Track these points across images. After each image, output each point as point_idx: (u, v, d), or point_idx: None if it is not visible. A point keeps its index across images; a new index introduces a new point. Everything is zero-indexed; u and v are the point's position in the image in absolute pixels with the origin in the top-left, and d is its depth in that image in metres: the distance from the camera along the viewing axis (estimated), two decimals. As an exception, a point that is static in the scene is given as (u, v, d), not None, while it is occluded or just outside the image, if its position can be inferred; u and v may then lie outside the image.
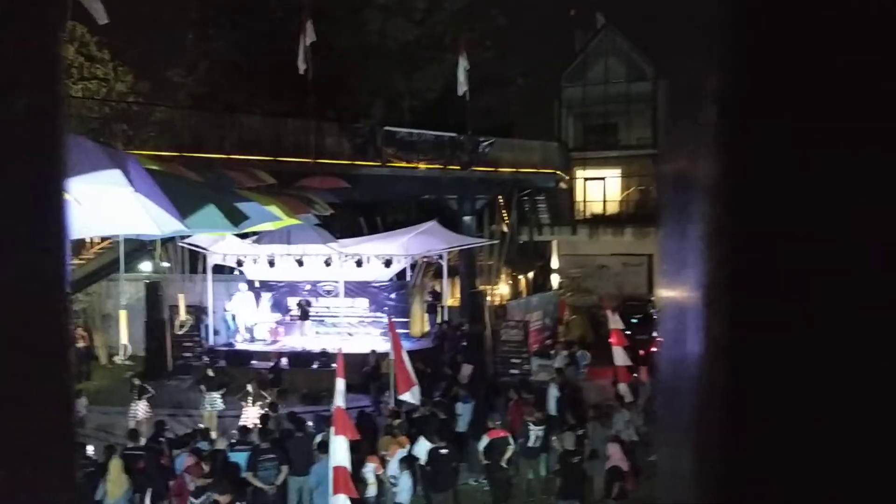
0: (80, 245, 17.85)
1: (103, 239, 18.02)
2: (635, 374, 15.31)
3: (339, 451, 9.40)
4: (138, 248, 18.53)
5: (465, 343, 19.41)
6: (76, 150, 8.63)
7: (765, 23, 0.47)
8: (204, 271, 20.67)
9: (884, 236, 0.46)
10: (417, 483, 11.29)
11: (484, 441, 11.70)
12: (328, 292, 20.25)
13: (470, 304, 21.63)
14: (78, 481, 0.57)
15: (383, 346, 15.81)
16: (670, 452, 0.58)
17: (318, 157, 20.88)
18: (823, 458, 0.47)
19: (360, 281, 19.98)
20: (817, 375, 0.47)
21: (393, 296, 20.19)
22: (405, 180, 23.75)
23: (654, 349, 18.32)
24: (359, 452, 10.40)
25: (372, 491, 10.64)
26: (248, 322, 19.89)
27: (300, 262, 19.32)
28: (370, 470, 10.68)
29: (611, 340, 15.34)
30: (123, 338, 12.73)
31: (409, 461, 10.99)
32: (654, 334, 19.93)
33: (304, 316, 19.79)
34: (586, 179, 35.20)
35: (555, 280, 31.26)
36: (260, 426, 12.24)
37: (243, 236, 18.00)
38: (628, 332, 17.63)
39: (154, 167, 11.42)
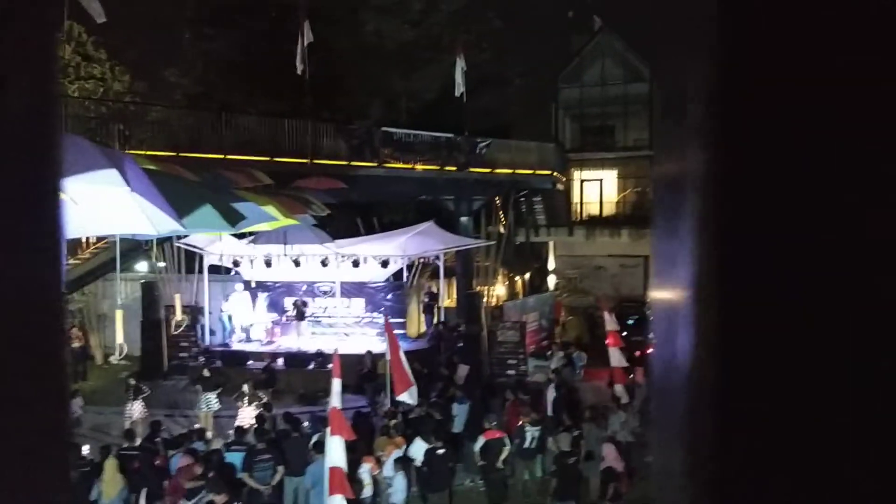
0: (76, 245, 17.82)
1: (99, 239, 17.99)
2: (631, 376, 15.32)
3: (336, 451, 9.39)
4: (134, 247, 18.49)
5: (461, 344, 19.41)
6: (73, 149, 8.61)
7: (761, 22, 0.47)
8: (200, 271, 20.64)
9: (883, 236, 0.46)
10: (412, 484, 11.29)
11: (480, 442, 11.70)
12: (325, 293, 20.24)
13: (466, 305, 21.63)
14: (73, 482, 0.57)
15: (380, 346, 15.81)
16: (665, 453, 0.58)
17: (314, 157, 20.87)
18: (819, 458, 0.47)
19: (356, 281, 19.97)
20: (813, 375, 0.47)
21: (389, 296, 20.19)
22: (402, 181, 23.75)
23: (650, 350, 18.33)
24: (355, 453, 10.39)
25: (368, 491, 10.63)
26: (245, 322, 19.87)
27: (297, 263, 19.31)
28: (366, 470, 10.67)
29: (607, 342, 15.35)
30: (119, 338, 12.70)
31: (403, 462, 10.99)
32: (650, 336, 19.92)
33: (300, 316, 19.78)
34: (583, 181, 35.24)
35: (551, 281, 31.28)
36: (255, 426, 12.22)
37: (240, 236, 17.98)
38: (624, 334, 17.65)
39: (151, 167, 11.41)
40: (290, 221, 14.04)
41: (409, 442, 11.49)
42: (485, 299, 22.77)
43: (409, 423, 12.44)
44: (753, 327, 0.47)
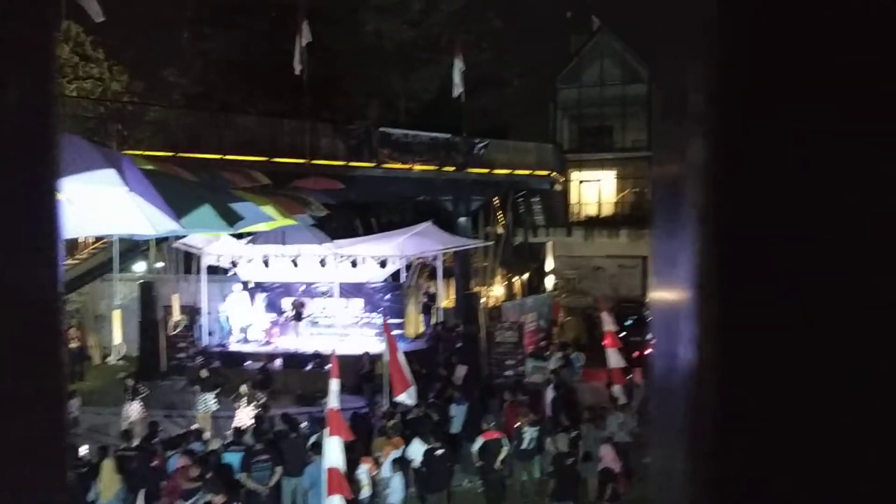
0: (73, 245, 17.81)
1: (97, 239, 17.99)
2: (630, 376, 15.32)
3: (334, 452, 9.39)
4: (132, 248, 18.49)
5: (459, 344, 19.40)
6: (71, 149, 8.61)
7: (761, 22, 0.47)
8: (198, 272, 20.63)
9: (883, 236, 0.46)
10: (410, 485, 11.29)
11: (478, 442, 11.70)
12: (323, 293, 20.22)
13: (465, 306, 21.63)
14: (70, 482, 0.57)
15: (378, 347, 15.80)
16: (665, 453, 0.58)
17: (313, 157, 20.87)
18: (819, 458, 0.47)
19: (354, 282, 19.96)
20: (813, 375, 0.47)
21: (388, 297, 20.18)
22: (400, 181, 23.75)
23: (648, 351, 18.34)
24: (353, 453, 10.39)
25: (366, 492, 10.63)
26: (243, 323, 19.85)
27: (295, 263, 19.30)
28: (364, 471, 10.67)
29: (605, 342, 15.34)
30: (117, 338, 12.71)
31: (401, 463, 10.99)
32: (649, 336, 19.94)
33: (299, 317, 19.77)
34: (581, 181, 35.27)
35: (549, 282, 31.28)
36: (254, 427, 12.22)
37: (238, 237, 17.97)
38: (623, 334, 17.65)
39: (149, 167, 11.40)
40: (289, 222, 14.05)
41: (407, 443, 11.49)
42: (483, 300, 22.78)
43: (408, 423, 12.44)
44: (754, 327, 0.47)
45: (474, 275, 25.93)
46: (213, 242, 19.08)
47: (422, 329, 20.97)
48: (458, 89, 24.50)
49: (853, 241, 0.46)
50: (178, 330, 19.21)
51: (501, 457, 11.60)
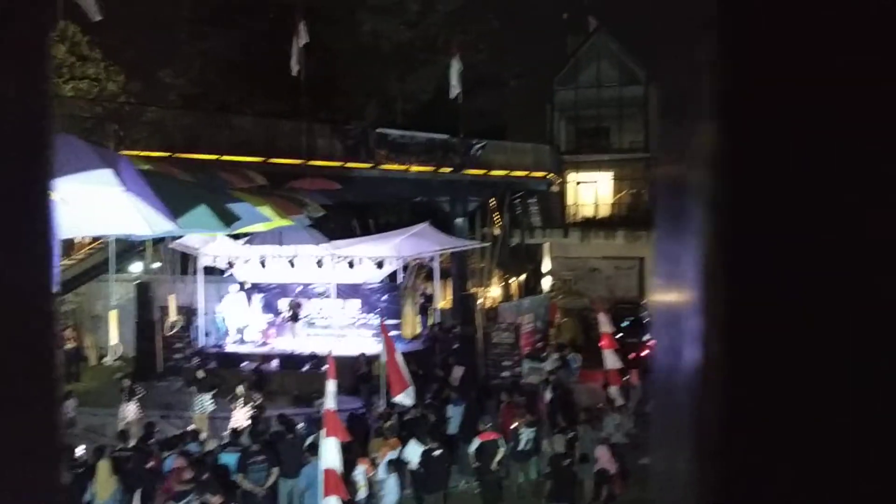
0: (70, 245, 17.78)
1: (94, 239, 17.96)
2: (626, 378, 15.33)
3: (330, 453, 9.39)
4: (129, 248, 18.47)
5: (456, 345, 19.41)
6: (67, 149, 8.59)
7: (761, 22, 0.47)
8: (195, 272, 20.60)
9: (883, 236, 0.46)
10: (406, 486, 11.29)
11: (475, 443, 11.70)
12: (320, 294, 20.21)
13: (461, 307, 21.64)
14: (65, 483, 0.57)
15: (375, 348, 15.79)
16: (666, 453, 0.57)
17: (310, 158, 20.87)
18: (820, 458, 0.47)
19: (351, 283, 19.95)
20: (816, 375, 0.47)
21: (385, 298, 20.16)
22: (397, 182, 23.75)
23: (644, 352, 18.37)
24: (350, 454, 10.39)
25: (363, 493, 10.63)
26: (239, 324, 19.83)
27: (292, 264, 19.28)
28: (361, 472, 10.67)
29: (601, 344, 15.36)
30: (113, 339, 12.69)
31: (396, 464, 10.98)
32: (645, 337, 20.01)
33: (295, 317, 19.75)
34: (578, 183, 35.31)
35: (546, 283, 31.31)
36: (250, 427, 12.20)
37: (235, 237, 17.96)
38: (619, 336, 17.66)
39: (146, 167, 11.39)
40: (285, 222, 14.05)
41: (403, 444, 11.48)
42: (480, 301, 22.79)
43: (404, 424, 12.44)
44: (759, 327, 0.47)
45: (471, 276, 25.94)
46: (209, 243, 19.06)
47: (418, 330, 20.96)
48: (455, 90, 24.51)
49: (853, 241, 0.46)
50: (174, 331, 19.17)
51: (498, 458, 11.60)
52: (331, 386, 9.92)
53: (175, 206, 9.76)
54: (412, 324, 20.80)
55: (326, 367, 10.57)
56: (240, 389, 13.90)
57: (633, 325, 21.53)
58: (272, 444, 11.36)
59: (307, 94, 21.71)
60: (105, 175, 8.76)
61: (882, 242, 0.46)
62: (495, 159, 26.65)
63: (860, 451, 0.46)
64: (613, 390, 14.48)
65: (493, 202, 29.39)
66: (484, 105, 28.74)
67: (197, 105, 25.90)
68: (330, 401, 9.79)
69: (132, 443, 11.66)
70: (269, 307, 20.38)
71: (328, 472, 9.30)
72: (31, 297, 0.52)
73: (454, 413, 13.70)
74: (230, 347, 19.31)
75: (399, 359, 12.90)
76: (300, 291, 20.31)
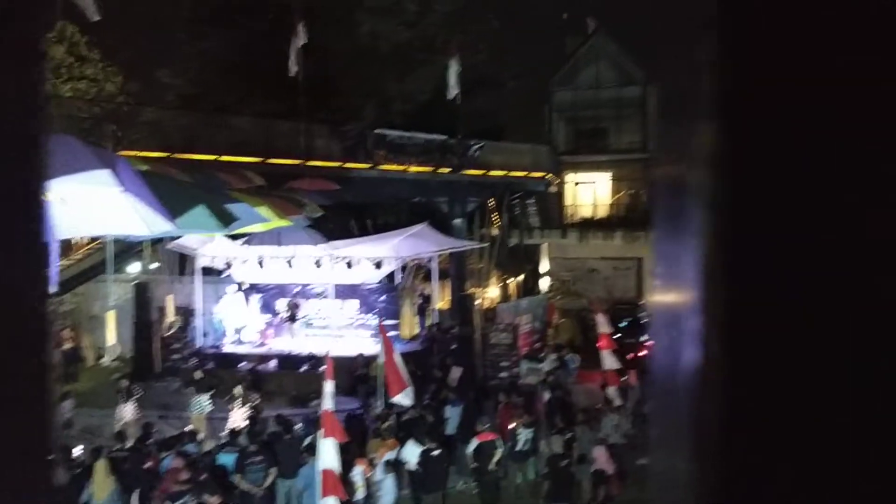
0: (68, 246, 17.75)
1: (92, 239, 17.94)
2: (624, 378, 15.33)
3: (328, 453, 9.38)
4: (127, 249, 18.44)
5: (454, 346, 19.41)
6: (65, 150, 8.58)
7: (761, 23, 0.47)
8: (193, 273, 20.58)
9: (883, 236, 0.46)
10: (403, 486, 11.29)
11: (473, 444, 11.70)
12: (318, 294, 20.20)
13: (460, 307, 21.63)
14: (59, 484, 0.57)
15: (373, 348, 15.78)
16: (665, 453, 0.57)
17: (308, 158, 20.85)
18: (823, 458, 0.46)
19: (350, 283, 19.94)
20: (816, 375, 0.47)
21: (383, 298, 20.15)
22: (396, 183, 23.75)
23: (642, 353, 18.38)
24: (347, 455, 10.38)
25: (361, 494, 10.62)
26: (237, 324, 19.81)
27: (290, 264, 19.27)
28: (359, 472, 10.66)
29: (599, 344, 15.36)
30: (111, 339, 12.66)
31: (394, 464, 10.98)
32: (643, 338, 20.02)
33: (293, 318, 19.75)
34: (576, 183, 35.33)
35: (544, 283, 31.31)
36: (247, 428, 12.19)
37: (233, 238, 17.95)
38: (617, 336, 17.67)
39: (144, 167, 11.38)
40: (283, 222, 14.04)
41: (401, 444, 11.48)
42: (478, 301, 22.79)
43: (402, 425, 12.43)
44: (759, 327, 0.47)
45: (469, 276, 25.94)
46: (207, 243, 19.05)
47: (417, 330, 20.96)
48: (453, 91, 24.51)
49: (853, 241, 0.46)
50: (172, 331, 19.16)
51: (496, 458, 11.60)
52: (328, 386, 9.91)
53: (173, 206, 9.76)
54: (410, 324, 20.80)
55: (324, 367, 10.56)
56: (237, 390, 13.89)
57: (632, 325, 21.55)
58: (270, 444, 11.35)
59: (305, 94, 21.68)
60: (103, 175, 8.76)
61: (882, 242, 0.46)
62: (494, 160, 26.65)
63: (860, 451, 0.46)
64: (611, 391, 14.48)
65: (491, 203, 29.39)
66: (482, 106, 28.74)
67: (195, 105, 25.88)
68: (328, 401, 9.78)
69: (130, 443, 11.64)
70: (267, 307, 20.37)
71: (326, 472, 9.30)
72: (26, 298, 0.52)
73: (452, 413, 13.70)
74: (228, 348, 19.30)
75: (397, 359, 12.89)
76: (298, 292, 20.30)
